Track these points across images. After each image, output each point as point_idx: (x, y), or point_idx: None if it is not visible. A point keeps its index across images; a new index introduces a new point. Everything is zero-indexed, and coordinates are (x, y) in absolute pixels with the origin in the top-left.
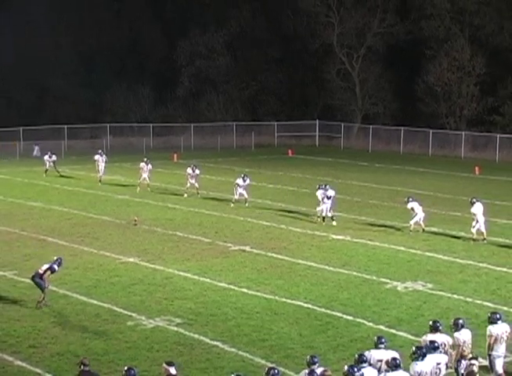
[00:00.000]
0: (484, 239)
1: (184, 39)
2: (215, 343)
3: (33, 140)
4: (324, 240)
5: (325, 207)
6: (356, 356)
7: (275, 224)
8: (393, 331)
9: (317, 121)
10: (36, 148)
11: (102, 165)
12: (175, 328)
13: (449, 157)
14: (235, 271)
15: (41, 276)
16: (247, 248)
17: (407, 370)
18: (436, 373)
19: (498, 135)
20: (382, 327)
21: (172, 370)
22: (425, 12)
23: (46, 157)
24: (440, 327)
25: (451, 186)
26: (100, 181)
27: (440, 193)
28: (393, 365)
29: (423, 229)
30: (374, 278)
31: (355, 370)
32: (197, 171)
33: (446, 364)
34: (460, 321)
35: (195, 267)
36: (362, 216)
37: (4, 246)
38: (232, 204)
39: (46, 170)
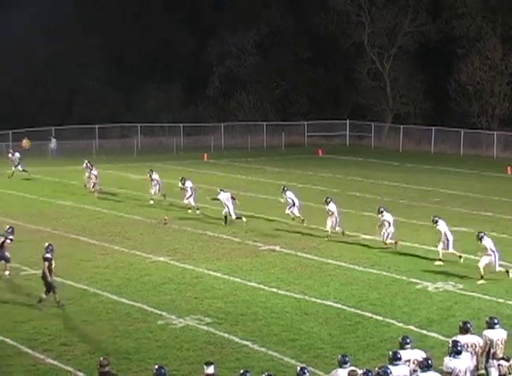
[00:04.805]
0: (460, 256)
1: (214, 39)
2: (245, 342)
3: (65, 140)
4: (354, 240)
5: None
6: (390, 353)
7: (304, 224)
8: (424, 332)
9: (347, 121)
10: (53, 140)
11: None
12: (205, 327)
13: (481, 157)
14: (265, 271)
15: (45, 275)
16: (277, 248)
17: (438, 370)
18: None
19: None
20: (412, 328)
21: (209, 370)
22: (457, 11)
23: (10, 155)
24: (471, 328)
25: (482, 186)
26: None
27: (471, 192)
28: (424, 365)
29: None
30: (404, 278)
31: (388, 371)
32: (155, 176)
33: (477, 366)
34: (494, 320)
35: (225, 266)
36: (393, 216)
37: (36, 245)
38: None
39: (13, 172)
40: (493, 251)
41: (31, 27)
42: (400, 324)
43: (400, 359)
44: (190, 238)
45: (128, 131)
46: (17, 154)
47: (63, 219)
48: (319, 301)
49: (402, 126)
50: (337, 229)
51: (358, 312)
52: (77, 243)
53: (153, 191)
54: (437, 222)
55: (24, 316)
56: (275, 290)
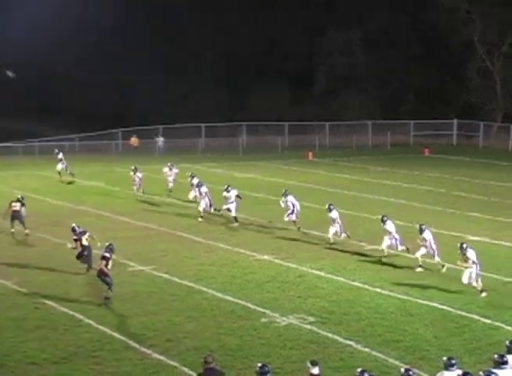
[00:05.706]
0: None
1: (321, 37)
2: (348, 342)
3: (172, 138)
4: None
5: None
6: (496, 356)
7: (409, 224)
8: None
9: (455, 120)
10: (160, 138)
11: (170, 179)
12: (308, 326)
13: None
14: (368, 270)
15: (101, 272)
16: (381, 248)
17: None
18: None
19: None
20: None
21: (315, 370)
22: None
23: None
24: None
25: None
26: (171, 191)
27: None
28: None
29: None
30: None
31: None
32: (194, 181)
33: None
34: None
35: (328, 266)
36: (500, 217)
37: (143, 241)
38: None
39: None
40: (475, 263)
41: (143, 26)
42: (509, 328)
43: (507, 362)
44: (294, 237)
45: (234, 130)
46: (61, 154)
47: (169, 216)
48: (424, 302)
49: (511, 125)
50: (343, 235)
51: (465, 314)
52: (182, 240)
53: (191, 195)
54: (423, 230)
55: (131, 312)
56: (379, 290)
